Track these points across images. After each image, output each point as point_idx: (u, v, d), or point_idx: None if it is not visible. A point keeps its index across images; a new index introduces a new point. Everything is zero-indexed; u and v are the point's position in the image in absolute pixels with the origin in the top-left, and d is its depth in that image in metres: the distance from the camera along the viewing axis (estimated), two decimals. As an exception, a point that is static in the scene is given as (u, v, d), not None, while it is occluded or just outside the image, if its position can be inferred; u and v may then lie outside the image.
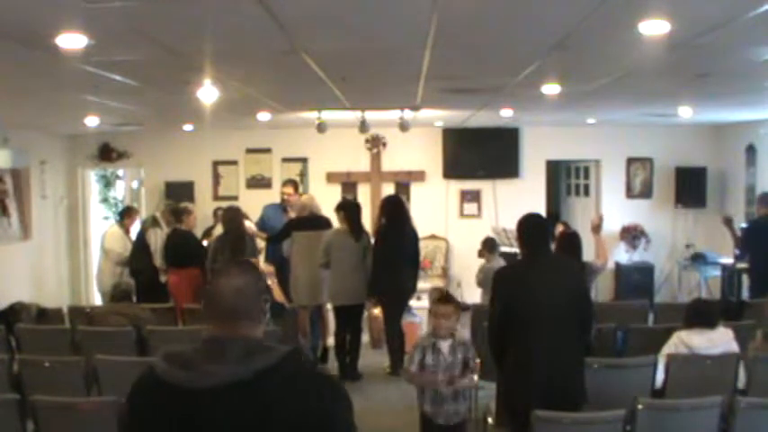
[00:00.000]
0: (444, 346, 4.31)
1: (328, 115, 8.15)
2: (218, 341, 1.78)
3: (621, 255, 10.50)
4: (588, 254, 6.12)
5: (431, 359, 4.30)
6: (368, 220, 9.15)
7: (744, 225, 8.46)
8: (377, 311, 7.55)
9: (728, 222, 8.14)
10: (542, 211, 9.19)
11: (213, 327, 1.83)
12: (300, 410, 1.72)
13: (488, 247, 7.71)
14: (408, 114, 8.15)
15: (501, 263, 7.12)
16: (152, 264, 8.02)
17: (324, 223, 7.42)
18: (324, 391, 1.79)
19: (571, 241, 5.68)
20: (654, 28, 3.52)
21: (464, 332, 4.60)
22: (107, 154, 10.78)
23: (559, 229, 8.09)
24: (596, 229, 6.04)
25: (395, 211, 7.23)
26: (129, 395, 1.87)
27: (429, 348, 4.32)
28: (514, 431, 3.93)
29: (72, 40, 3.58)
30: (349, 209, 7.27)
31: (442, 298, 4.61)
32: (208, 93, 5.59)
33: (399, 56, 4.52)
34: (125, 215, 9.00)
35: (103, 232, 9.19)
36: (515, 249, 7.36)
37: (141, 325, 5.55)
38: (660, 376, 4.51)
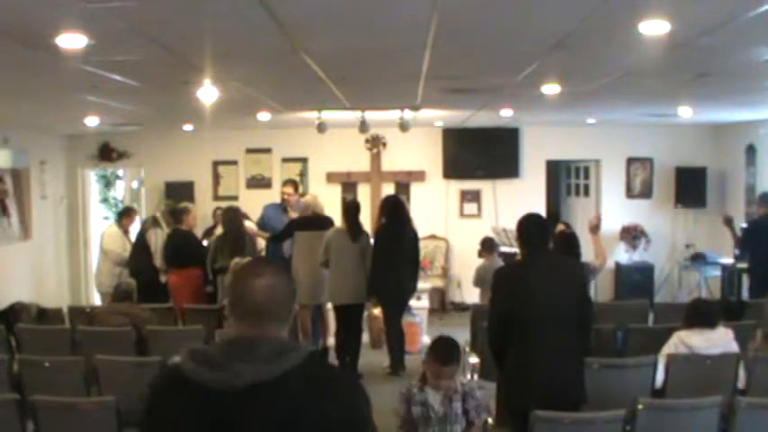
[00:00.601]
0: (435, 397, 3.65)
1: (328, 115, 8.15)
2: (247, 340, 1.76)
3: (621, 255, 10.51)
4: (587, 254, 6.12)
5: (419, 412, 3.63)
6: (368, 220, 9.16)
7: (744, 225, 8.46)
8: (377, 311, 7.56)
9: (729, 222, 8.13)
10: (542, 211, 9.19)
11: (241, 325, 1.81)
12: (327, 410, 1.73)
13: (487, 246, 7.71)
14: (408, 114, 8.15)
15: (499, 263, 7.12)
16: (152, 264, 8.02)
17: (326, 223, 7.43)
18: (348, 391, 1.81)
19: (568, 241, 5.68)
20: (654, 28, 3.52)
21: (461, 382, 3.78)
22: (107, 154, 10.78)
23: (560, 228, 8.10)
24: (594, 229, 6.04)
25: (394, 211, 7.23)
26: (150, 395, 1.83)
27: (416, 400, 3.66)
28: (514, 431, 3.92)
29: (72, 40, 3.57)
30: (346, 209, 7.28)
31: (444, 354, 3.68)
32: (208, 93, 5.59)
33: (399, 56, 4.52)
34: (124, 216, 9.00)
35: (102, 232, 9.19)
36: (515, 249, 7.35)
37: (142, 325, 5.56)
38: (660, 376, 4.51)
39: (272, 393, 1.69)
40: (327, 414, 1.73)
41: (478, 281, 7.49)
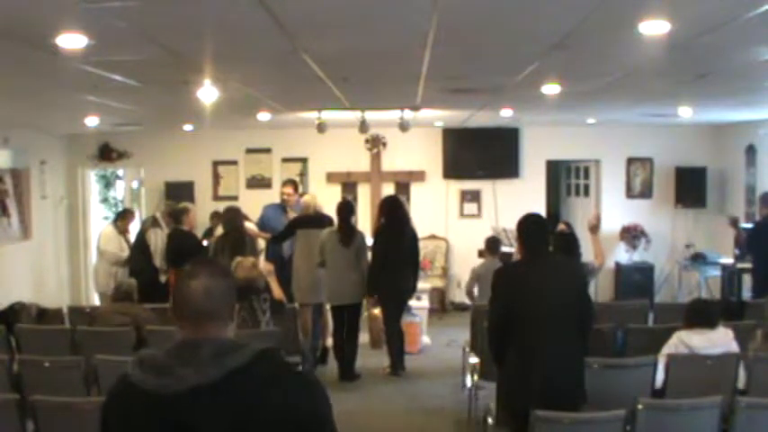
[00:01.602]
0: None
1: (328, 115, 8.15)
2: (189, 344, 1.77)
3: (621, 255, 10.51)
4: (586, 254, 6.12)
5: None
6: (368, 221, 9.17)
7: (747, 226, 8.46)
8: (376, 311, 7.56)
9: (735, 223, 8.15)
10: (542, 211, 9.19)
11: (184, 329, 1.82)
12: (277, 409, 1.71)
13: (491, 247, 7.59)
14: (408, 114, 8.15)
15: (497, 264, 7.07)
16: (152, 264, 8.02)
17: (327, 222, 7.44)
18: (301, 389, 1.78)
19: (567, 241, 5.67)
20: (654, 28, 3.52)
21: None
22: (107, 154, 10.78)
23: (561, 228, 8.08)
24: (594, 229, 6.04)
25: (393, 212, 7.24)
26: (104, 404, 1.87)
27: None
28: (514, 431, 3.92)
29: (72, 40, 3.57)
30: (338, 210, 7.28)
31: None
32: (208, 93, 5.59)
33: (399, 56, 4.52)
34: (121, 217, 8.99)
35: (99, 233, 9.19)
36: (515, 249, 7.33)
37: (142, 324, 5.56)
38: (660, 376, 4.51)
39: (216, 395, 1.68)
40: (280, 414, 1.71)
41: (474, 279, 7.32)
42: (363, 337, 7.75)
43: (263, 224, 8.26)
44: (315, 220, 7.47)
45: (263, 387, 1.72)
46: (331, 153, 10.66)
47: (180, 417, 1.69)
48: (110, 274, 8.41)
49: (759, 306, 5.65)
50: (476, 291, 7.25)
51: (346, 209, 7.35)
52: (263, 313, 5.56)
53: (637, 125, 10.38)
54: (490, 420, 4.71)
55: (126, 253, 8.51)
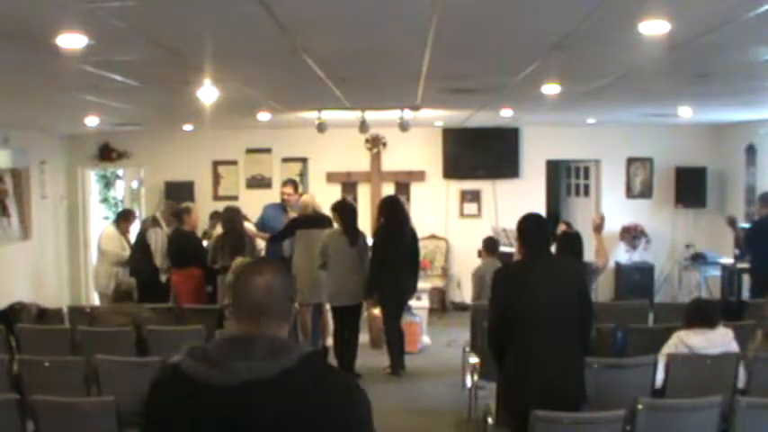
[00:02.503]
0: None
1: (328, 115, 8.15)
2: (244, 338, 1.78)
3: (621, 255, 10.51)
4: (588, 254, 6.12)
5: None
6: (367, 221, 9.17)
7: (745, 225, 8.47)
8: (376, 311, 7.56)
9: (733, 223, 8.15)
10: (542, 211, 9.19)
11: (240, 323, 1.83)
12: (324, 410, 1.73)
13: (489, 247, 7.62)
14: (408, 114, 8.15)
15: (496, 264, 7.06)
16: (152, 264, 8.02)
17: (326, 222, 7.44)
18: (347, 392, 1.80)
19: (572, 242, 5.67)
20: (654, 28, 3.51)
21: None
22: (107, 154, 10.78)
23: (562, 228, 8.09)
24: (598, 229, 6.04)
25: (393, 212, 7.24)
26: (149, 392, 1.85)
27: None
28: (514, 431, 3.92)
29: (72, 40, 3.57)
30: (343, 211, 7.27)
31: None
32: (208, 93, 5.59)
33: (399, 56, 4.52)
34: (122, 218, 8.99)
35: (99, 233, 9.19)
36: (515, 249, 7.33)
37: (143, 324, 5.56)
38: (660, 376, 4.51)
39: (268, 391, 1.69)
40: (324, 414, 1.73)
41: (477, 283, 7.31)
42: (363, 337, 7.75)
43: (263, 224, 8.27)
44: (314, 220, 7.48)
45: (312, 388, 1.73)
46: (331, 153, 10.66)
47: (227, 410, 1.69)
48: (110, 274, 8.41)
49: (759, 306, 5.65)
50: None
51: (352, 212, 7.34)
52: (291, 315, 5.54)
53: (637, 125, 10.38)
54: (490, 420, 4.71)
55: (127, 252, 8.51)
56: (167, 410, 1.78)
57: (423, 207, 10.61)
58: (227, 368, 1.70)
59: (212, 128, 9.97)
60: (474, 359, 5.77)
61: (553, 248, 6.56)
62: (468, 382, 5.82)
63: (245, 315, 1.83)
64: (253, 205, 9.13)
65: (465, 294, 10.25)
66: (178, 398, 1.75)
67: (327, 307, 7.52)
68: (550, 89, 5.97)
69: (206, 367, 1.71)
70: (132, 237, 8.75)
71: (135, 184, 11.73)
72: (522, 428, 3.61)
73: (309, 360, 1.76)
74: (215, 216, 9.02)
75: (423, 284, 8.11)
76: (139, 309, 5.92)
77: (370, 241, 7.34)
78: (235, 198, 10.52)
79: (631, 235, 10.57)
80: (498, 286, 3.99)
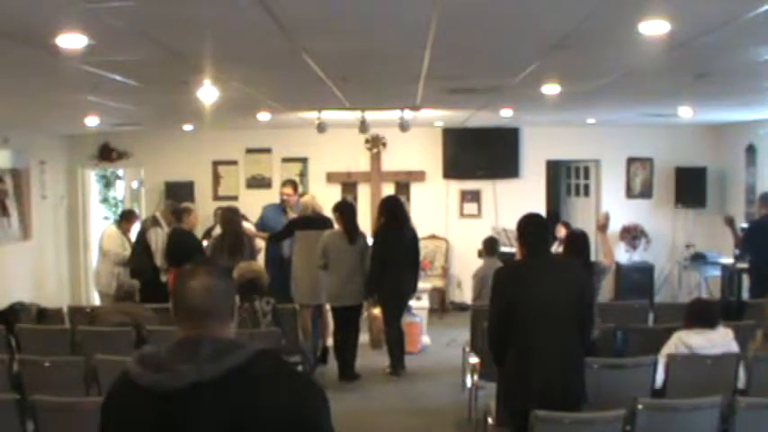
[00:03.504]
0: None
1: (328, 115, 8.15)
2: (188, 341, 1.79)
3: (621, 255, 10.49)
4: (592, 253, 6.10)
5: None
6: (367, 221, 9.17)
7: (745, 225, 8.46)
8: (376, 311, 7.56)
9: (730, 222, 8.14)
10: (542, 211, 9.19)
11: (184, 327, 1.84)
12: (274, 409, 1.72)
13: (488, 248, 7.62)
14: (408, 114, 8.15)
15: (497, 264, 7.07)
16: (153, 263, 8.02)
17: (326, 223, 7.44)
18: (298, 390, 1.79)
19: (578, 241, 5.64)
20: (654, 28, 3.52)
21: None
22: (107, 154, 10.78)
23: (560, 229, 8.09)
24: (603, 228, 6.03)
25: (393, 212, 7.23)
26: (104, 400, 1.88)
27: None
28: (514, 431, 3.92)
29: (72, 40, 3.57)
30: (344, 211, 7.27)
31: None
32: (208, 93, 5.59)
33: (399, 56, 4.52)
34: (124, 219, 9.00)
35: (101, 233, 9.19)
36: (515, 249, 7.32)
37: (143, 323, 5.56)
38: (660, 376, 4.51)
39: (213, 393, 1.70)
40: (274, 413, 1.72)
41: (479, 284, 7.33)
42: (363, 337, 7.75)
43: (262, 224, 8.26)
44: (313, 221, 7.47)
45: (261, 387, 1.73)
46: (331, 153, 10.66)
47: (176, 413, 1.70)
48: (112, 274, 8.41)
49: (759, 306, 5.66)
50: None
51: (352, 212, 7.34)
52: (264, 315, 5.55)
53: (637, 125, 10.38)
54: (490, 420, 4.71)
55: (128, 252, 8.51)
56: (120, 416, 1.81)
57: (423, 207, 10.61)
58: (173, 372, 1.71)
59: (212, 128, 9.97)
60: (474, 359, 5.77)
61: (559, 249, 6.60)
62: (468, 382, 5.82)
63: (188, 318, 1.83)
64: (253, 205, 9.13)
65: (465, 294, 10.25)
66: (129, 404, 1.77)
67: (327, 307, 7.51)
68: (550, 89, 5.97)
69: (152, 372, 1.73)
70: (133, 237, 8.74)
71: (135, 184, 11.73)
72: (522, 428, 3.61)
73: (258, 359, 1.76)
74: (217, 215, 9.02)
75: (423, 284, 8.11)
76: (140, 309, 5.92)
77: (370, 241, 7.33)
78: (235, 198, 10.52)
79: (631, 235, 10.57)
80: (498, 286, 3.98)
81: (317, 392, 1.83)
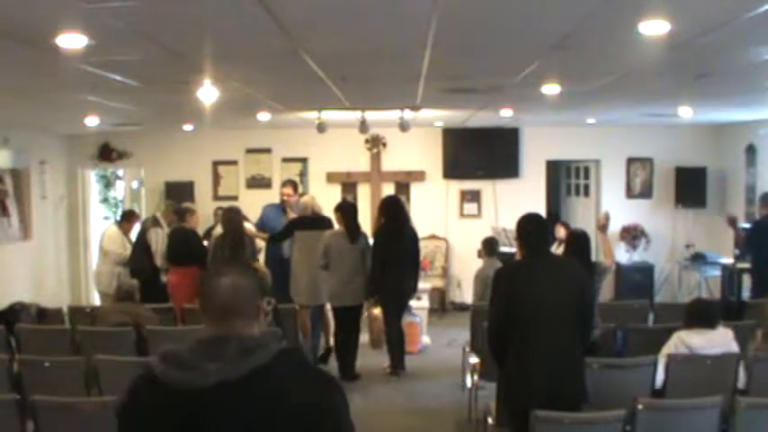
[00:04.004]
0: None
1: (328, 115, 8.15)
2: (214, 340, 1.79)
3: (621, 255, 10.49)
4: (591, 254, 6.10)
5: None
6: (368, 221, 9.17)
7: (746, 225, 8.46)
8: (377, 311, 7.56)
9: (733, 222, 8.15)
10: (542, 211, 9.19)
11: (209, 325, 1.84)
12: (298, 408, 1.73)
13: (488, 248, 7.60)
14: (408, 114, 8.15)
15: (497, 264, 7.07)
16: (152, 264, 8.01)
17: (325, 223, 7.44)
18: (321, 388, 1.81)
19: (579, 241, 5.64)
20: (654, 28, 3.52)
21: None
22: (107, 154, 10.78)
23: (560, 229, 8.08)
24: (603, 228, 6.03)
25: (393, 212, 7.24)
26: (125, 397, 1.87)
27: None
28: (514, 431, 3.92)
29: (72, 40, 3.57)
30: (345, 210, 7.28)
31: None
32: (208, 93, 5.59)
33: (399, 56, 4.52)
34: (125, 219, 9.00)
35: (102, 233, 9.19)
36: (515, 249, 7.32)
37: (144, 323, 5.56)
38: (660, 376, 4.51)
39: (238, 392, 1.70)
40: (299, 411, 1.73)
41: (481, 285, 7.31)
42: (363, 337, 7.75)
43: (262, 224, 8.26)
44: (313, 221, 7.47)
45: (285, 385, 1.74)
46: (331, 153, 10.66)
47: (201, 412, 1.70)
48: (113, 275, 8.42)
49: (759, 306, 5.65)
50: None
51: (354, 212, 7.34)
52: (266, 315, 5.56)
53: (637, 125, 10.38)
54: (490, 420, 4.71)
55: (129, 253, 8.51)
56: (142, 415, 1.80)
57: (423, 207, 10.61)
58: (199, 370, 1.71)
59: (212, 128, 9.97)
60: (474, 359, 5.77)
61: (559, 249, 6.60)
62: (468, 382, 5.81)
63: (214, 316, 1.84)
64: (253, 205, 9.13)
65: (465, 294, 10.25)
66: (153, 402, 1.77)
67: (328, 307, 7.51)
68: (550, 89, 5.97)
69: (178, 371, 1.72)
70: (134, 237, 8.75)
71: (135, 184, 11.73)
72: (522, 428, 3.61)
73: (283, 357, 1.77)
74: (217, 215, 9.03)
75: (423, 284, 8.11)
76: (140, 308, 5.92)
77: (371, 241, 7.33)
78: (235, 198, 10.52)
79: (631, 235, 10.57)
80: (499, 286, 3.98)
81: (338, 390, 1.84)
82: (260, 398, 1.71)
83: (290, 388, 1.74)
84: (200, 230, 8.86)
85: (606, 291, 10.28)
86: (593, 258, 5.86)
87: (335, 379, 1.90)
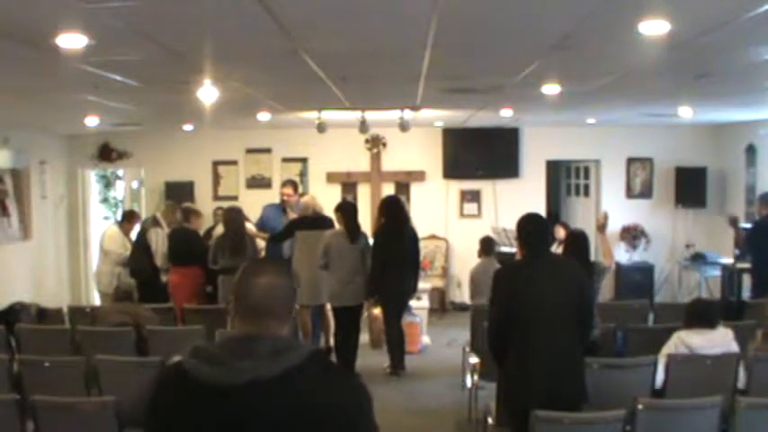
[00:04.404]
0: None
1: (328, 115, 8.15)
2: (248, 338, 1.79)
3: (621, 255, 10.50)
4: (592, 253, 6.11)
5: None
6: (368, 221, 9.17)
7: (746, 226, 8.46)
8: (377, 311, 7.56)
9: (734, 222, 8.15)
10: (542, 211, 9.19)
11: (242, 323, 1.84)
12: (328, 408, 1.74)
13: (485, 247, 7.61)
14: (408, 114, 8.15)
15: (494, 264, 7.07)
16: (152, 264, 8.01)
17: (326, 223, 7.44)
18: (349, 389, 1.82)
19: (578, 241, 5.65)
20: (654, 28, 3.52)
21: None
22: (107, 154, 10.78)
23: (559, 230, 8.08)
24: (602, 228, 6.03)
25: (393, 212, 7.24)
26: (152, 392, 1.85)
27: None
28: (514, 431, 3.92)
29: (72, 40, 3.57)
30: (345, 210, 7.28)
31: None
32: (208, 93, 5.58)
33: (399, 56, 4.52)
34: (126, 219, 9.00)
35: (102, 233, 9.19)
36: (515, 249, 7.32)
37: (143, 323, 5.56)
38: (660, 376, 4.51)
39: (270, 391, 1.70)
40: (328, 412, 1.73)
41: (474, 285, 7.36)
42: (363, 337, 7.75)
43: (262, 224, 8.26)
44: (314, 221, 7.47)
45: (316, 387, 1.74)
46: (331, 153, 10.66)
47: (231, 409, 1.70)
48: (113, 274, 8.42)
49: (759, 306, 5.66)
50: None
51: (353, 212, 7.35)
52: (291, 315, 5.56)
53: (637, 125, 10.38)
54: (490, 420, 4.71)
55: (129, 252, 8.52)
56: (170, 411, 1.78)
57: (423, 207, 10.61)
58: (232, 368, 1.70)
59: (212, 128, 9.97)
60: (474, 359, 5.77)
61: (558, 249, 6.60)
62: (468, 382, 5.81)
63: (249, 315, 1.83)
64: (253, 205, 9.13)
65: (465, 294, 10.24)
66: (180, 396, 1.75)
67: (329, 307, 7.51)
68: (550, 89, 5.97)
69: (210, 367, 1.71)
70: (134, 237, 8.74)
71: (135, 184, 11.73)
72: (522, 428, 3.61)
73: (313, 358, 1.77)
74: (217, 215, 9.02)
75: (423, 284, 8.11)
76: (140, 308, 5.93)
77: (371, 241, 7.33)
78: (235, 198, 10.52)
79: (631, 235, 10.57)
80: (499, 286, 3.98)
81: (365, 391, 1.85)
82: (292, 399, 1.71)
83: (320, 389, 1.74)
84: (201, 231, 8.86)
85: (606, 291, 10.29)
86: (593, 258, 5.87)
87: (362, 381, 1.90)
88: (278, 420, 1.70)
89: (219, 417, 1.70)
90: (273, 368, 1.71)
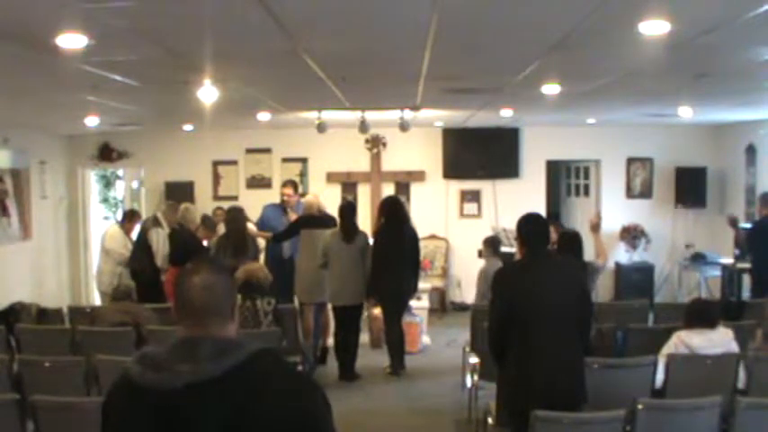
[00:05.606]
0: None
1: (328, 115, 8.15)
2: (190, 340, 1.78)
3: (621, 255, 10.51)
4: (587, 253, 6.12)
5: None
6: (368, 221, 9.17)
7: (746, 226, 8.46)
8: (377, 311, 7.56)
9: (734, 223, 8.15)
10: (542, 212, 9.18)
11: (185, 326, 1.82)
12: (273, 409, 1.71)
13: (491, 246, 7.57)
14: (408, 114, 8.15)
15: (499, 264, 7.07)
16: (153, 264, 8.01)
17: (330, 222, 7.45)
18: (298, 390, 1.77)
19: (571, 241, 5.67)
20: (654, 28, 3.52)
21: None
22: (107, 154, 10.78)
23: (553, 230, 8.06)
24: (595, 228, 6.04)
25: (393, 212, 7.24)
26: (104, 400, 1.87)
27: None
28: (514, 431, 3.92)
29: (72, 40, 3.58)
30: (341, 210, 7.29)
31: None
32: (208, 93, 5.58)
33: (399, 56, 4.52)
34: (127, 219, 9.00)
35: (103, 232, 9.19)
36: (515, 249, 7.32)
37: (143, 322, 5.56)
38: (660, 376, 4.51)
39: (211, 393, 1.68)
40: (269, 415, 1.71)
41: (484, 286, 7.30)
42: (363, 337, 7.75)
43: (262, 224, 8.26)
44: (319, 220, 7.48)
45: (260, 386, 1.72)
46: (331, 153, 10.66)
47: (175, 413, 1.69)
48: (114, 274, 8.42)
49: (759, 306, 5.65)
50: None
51: (350, 211, 7.35)
52: (266, 315, 5.57)
53: (637, 125, 10.38)
54: (490, 420, 4.71)
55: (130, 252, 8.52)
56: (120, 415, 1.80)
57: (423, 207, 10.61)
58: (173, 372, 1.70)
59: (212, 128, 9.97)
60: (474, 359, 5.77)
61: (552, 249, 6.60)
62: (468, 382, 5.82)
63: (189, 316, 1.81)
64: (253, 205, 9.12)
65: (465, 294, 10.26)
66: (129, 403, 1.76)
67: (329, 306, 7.52)
68: (550, 89, 5.97)
69: (152, 372, 1.72)
70: (134, 237, 8.74)
71: (135, 184, 11.73)
72: (522, 428, 3.61)
73: (258, 358, 1.74)
74: (217, 215, 9.02)
75: (423, 284, 8.11)
76: (140, 308, 5.93)
77: (371, 241, 7.33)
78: (234, 198, 10.51)
79: (631, 235, 10.56)
80: (498, 287, 3.98)
81: (317, 392, 1.81)
82: (234, 399, 1.69)
83: (266, 389, 1.72)
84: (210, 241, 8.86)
85: (606, 291, 10.31)
86: (587, 258, 5.88)
87: (316, 381, 1.86)
88: (222, 422, 1.68)
89: (165, 422, 1.70)
90: (214, 369, 1.69)
